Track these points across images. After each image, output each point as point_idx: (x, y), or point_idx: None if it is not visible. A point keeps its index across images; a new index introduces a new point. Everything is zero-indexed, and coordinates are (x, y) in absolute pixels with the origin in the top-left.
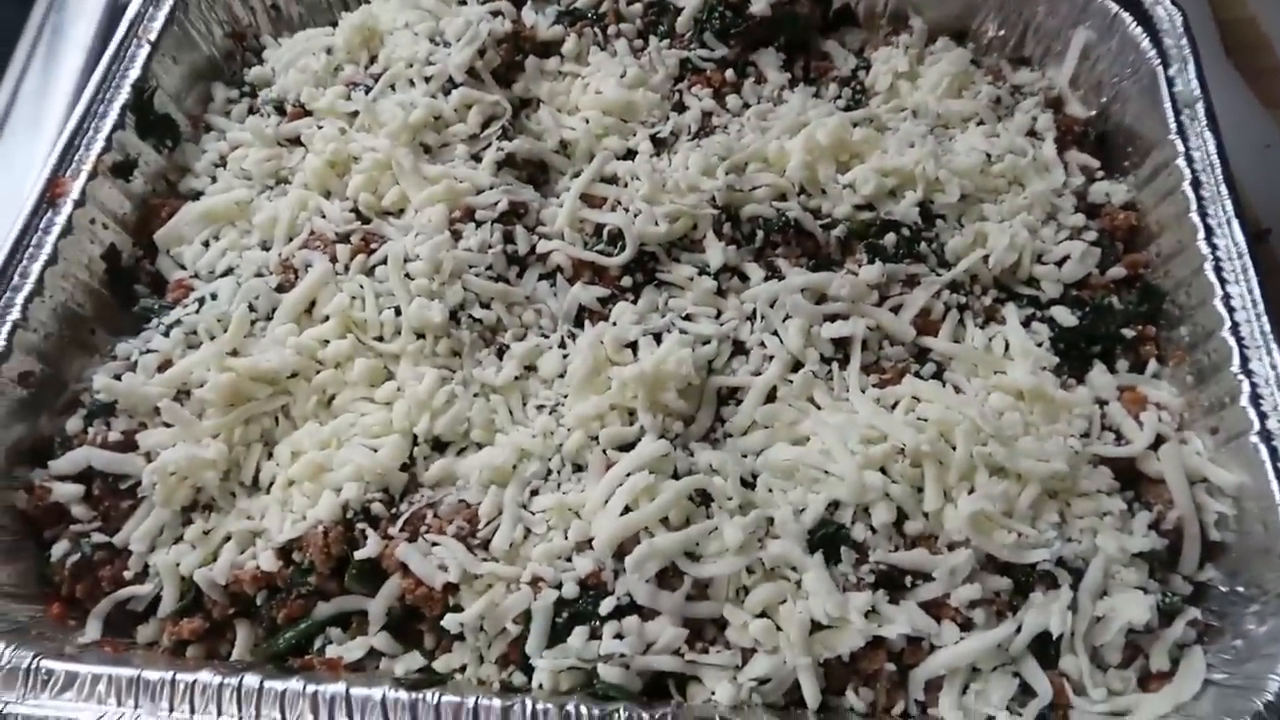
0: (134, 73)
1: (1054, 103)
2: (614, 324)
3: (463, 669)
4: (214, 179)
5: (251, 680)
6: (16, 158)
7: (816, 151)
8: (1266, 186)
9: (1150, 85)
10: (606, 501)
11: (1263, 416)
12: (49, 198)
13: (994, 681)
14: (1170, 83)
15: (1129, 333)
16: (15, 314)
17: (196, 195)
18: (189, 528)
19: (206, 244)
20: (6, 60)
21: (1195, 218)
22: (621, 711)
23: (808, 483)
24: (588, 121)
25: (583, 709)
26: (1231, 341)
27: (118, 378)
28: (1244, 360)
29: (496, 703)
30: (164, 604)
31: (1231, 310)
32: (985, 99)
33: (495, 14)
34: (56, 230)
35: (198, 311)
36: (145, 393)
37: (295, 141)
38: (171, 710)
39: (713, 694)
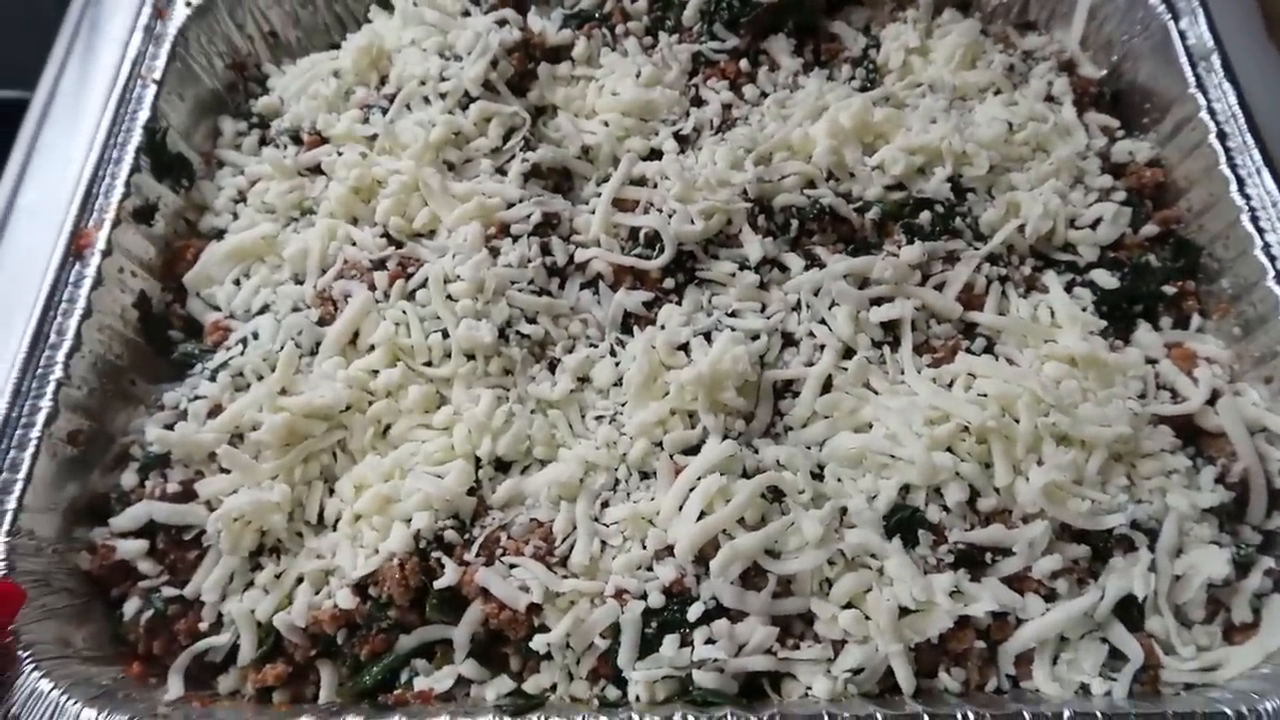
0: (143, 114)
1: (1066, 65)
2: (662, 327)
3: (553, 688)
4: (235, 215)
5: None
6: (56, 153)
7: (841, 135)
8: None
9: (1162, 40)
10: (681, 507)
11: None
12: (75, 249)
13: (1083, 649)
14: (1183, 36)
15: (1169, 290)
16: (58, 372)
17: (219, 233)
18: (259, 572)
19: (237, 282)
20: (45, 57)
21: (1225, 169)
22: (729, 717)
23: (876, 469)
24: (608, 124)
25: (689, 718)
26: (1276, 290)
27: (169, 428)
28: None
29: None
30: (243, 652)
31: (1273, 259)
32: (999, 68)
33: (502, 23)
34: (88, 283)
35: (242, 353)
36: (200, 440)
37: (316, 170)
38: None
39: (809, 689)
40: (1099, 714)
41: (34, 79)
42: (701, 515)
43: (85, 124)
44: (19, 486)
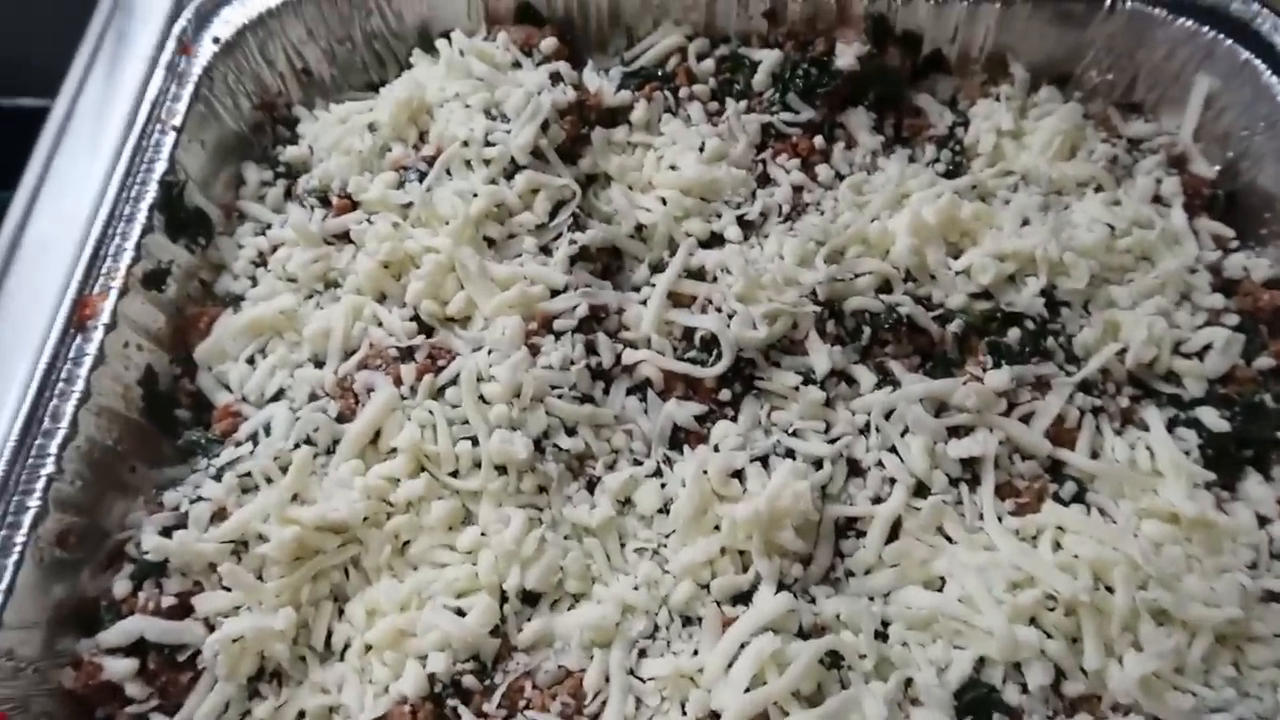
0: (160, 165)
1: (1176, 160)
2: (715, 448)
3: None
4: (254, 280)
5: None
6: (79, 175)
7: (924, 233)
8: None
9: None
10: (728, 668)
11: None
12: (77, 320)
13: None
14: None
15: None
16: (49, 466)
17: (236, 300)
18: (258, 702)
19: (252, 360)
20: (65, 69)
21: None
22: None
23: (949, 635)
24: (665, 203)
25: None
26: None
27: (167, 533)
28: None
29: None
30: None
31: None
32: (1101, 159)
33: (555, 79)
34: (88, 362)
35: (252, 451)
36: (200, 550)
37: (344, 238)
38: None
39: None
40: None
41: (55, 85)
42: (752, 681)
43: (104, 148)
44: None
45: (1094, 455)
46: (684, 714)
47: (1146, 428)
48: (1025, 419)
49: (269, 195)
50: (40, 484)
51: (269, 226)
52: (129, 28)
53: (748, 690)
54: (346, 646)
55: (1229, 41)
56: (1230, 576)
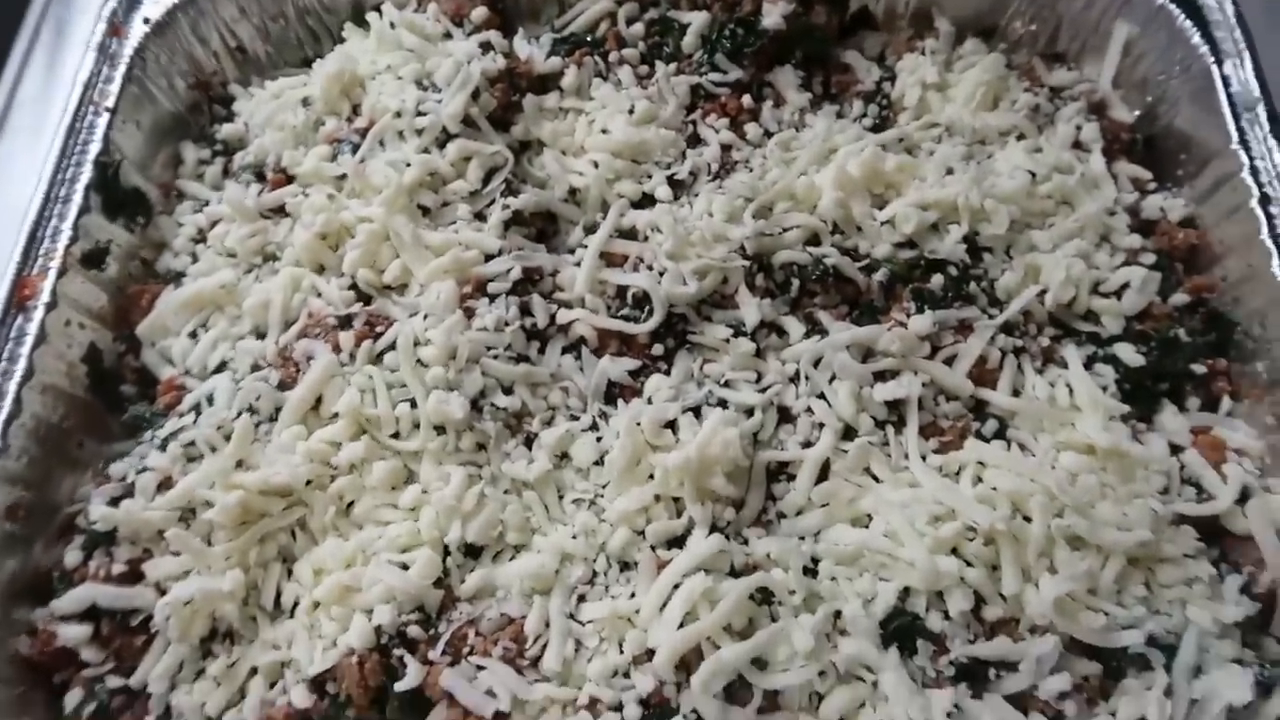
0: (94, 146)
1: (1096, 107)
2: (649, 401)
3: None
4: (194, 256)
5: None
6: (15, 168)
7: (849, 186)
8: None
9: (1204, 85)
10: (663, 608)
11: None
12: (17, 301)
13: None
14: (1226, 82)
15: (1198, 368)
16: None
17: (176, 276)
18: (211, 661)
19: (194, 335)
20: (2, 62)
21: (1267, 240)
22: None
23: (875, 569)
24: (597, 165)
25: None
26: None
27: (114, 503)
28: None
29: None
30: None
31: None
32: (1024, 108)
33: (485, 48)
34: (30, 340)
35: (195, 421)
36: (148, 518)
37: (280, 211)
38: None
39: None
40: None
41: None
42: (685, 619)
43: (47, 135)
44: None
45: (1015, 393)
46: (621, 653)
47: (1066, 365)
48: (948, 361)
49: (207, 173)
50: None
51: (208, 204)
52: (67, 16)
53: (681, 627)
54: (295, 605)
55: None
56: (1142, 502)
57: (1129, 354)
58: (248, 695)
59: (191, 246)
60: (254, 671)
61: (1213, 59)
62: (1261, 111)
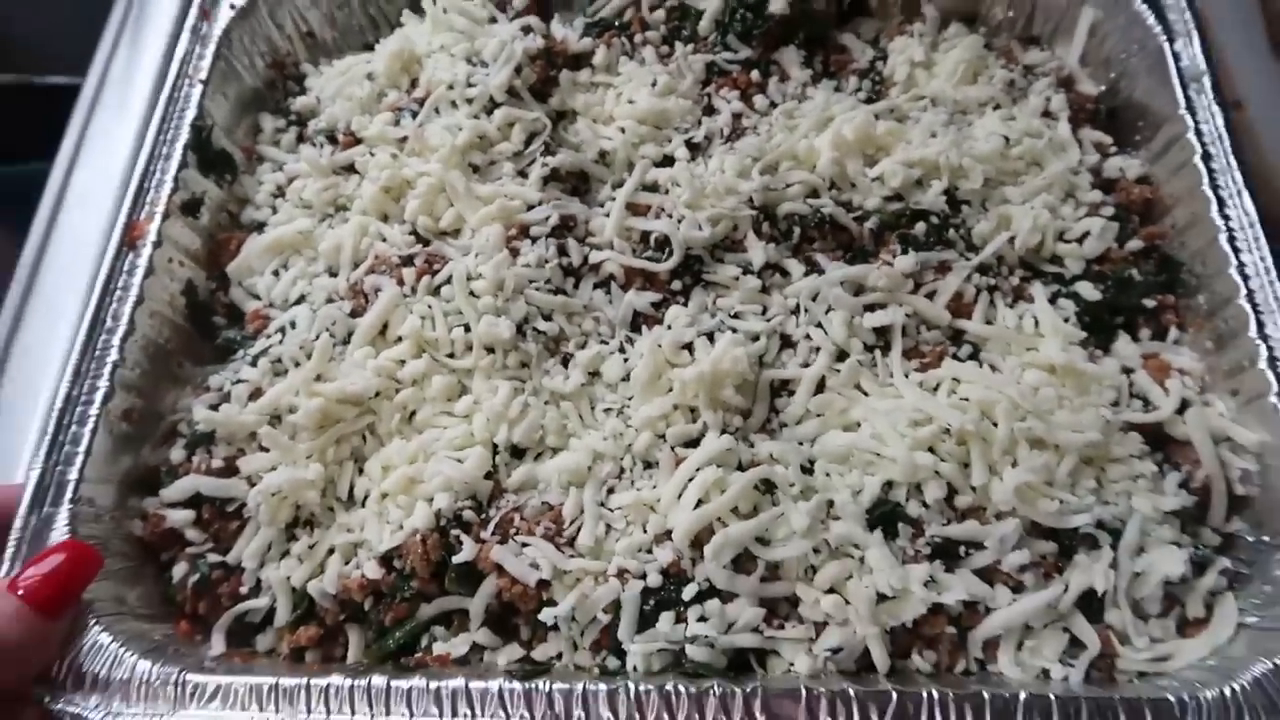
0: (190, 112)
1: (1065, 81)
2: (668, 327)
3: (559, 656)
4: (274, 210)
5: (379, 680)
6: (109, 140)
7: (844, 147)
8: None
9: (1158, 60)
10: (680, 496)
11: None
12: (128, 240)
13: (1046, 637)
14: (1176, 57)
15: (1150, 303)
16: (114, 355)
17: (259, 226)
18: (295, 543)
19: (276, 274)
20: (94, 46)
21: (1207, 190)
22: (716, 688)
23: (863, 466)
24: (624, 131)
25: (680, 687)
26: (1248, 308)
27: (214, 409)
28: (1260, 326)
29: (603, 687)
30: (279, 615)
31: (1246, 278)
32: (1000, 83)
33: (526, 30)
34: (140, 272)
35: (280, 341)
36: (242, 421)
37: (350, 169)
38: (309, 712)
39: (791, 665)
40: (1054, 697)
41: (85, 66)
42: (699, 504)
43: (132, 112)
44: (80, 459)
45: (988, 323)
46: (645, 533)
47: (1033, 300)
48: (929, 296)
49: (283, 140)
50: (107, 369)
51: (284, 166)
52: (147, 8)
53: (695, 509)
54: (366, 496)
55: None
56: (1094, 410)
57: (1089, 291)
58: (326, 570)
59: (271, 200)
60: (331, 551)
61: (1165, 38)
62: (1206, 81)
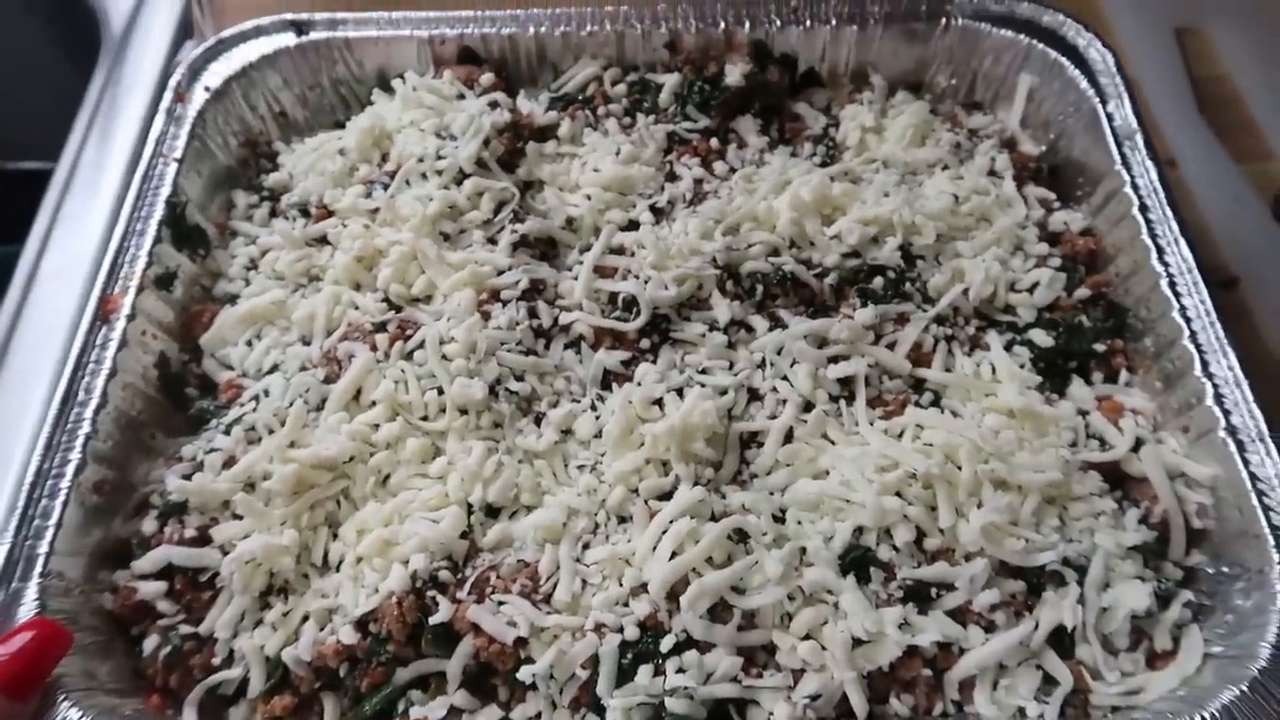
0: (165, 189)
1: (1008, 142)
2: (639, 384)
3: (538, 716)
4: (247, 282)
5: None
6: (81, 222)
7: (802, 208)
8: (1237, 236)
9: (1092, 121)
10: (654, 548)
11: (1226, 414)
12: (102, 314)
13: (1020, 675)
14: (1109, 118)
15: (1100, 347)
16: (86, 427)
17: (232, 298)
18: (268, 611)
19: (250, 344)
20: (67, 132)
21: (1146, 239)
22: None
23: (833, 512)
24: (589, 198)
25: None
26: (1191, 349)
27: (188, 478)
28: (1204, 364)
29: None
30: (252, 685)
31: (1188, 320)
32: (946, 145)
33: (493, 105)
34: (113, 345)
35: (254, 409)
36: (215, 489)
37: (322, 241)
38: None
39: (771, 714)
40: None
41: (57, 151)
42: (673, 556)
43: (104, 196)
44: (50, 532)
45: (947, 371)
46: (620, 586)
47: (989, 348)
48: (890, 346)
49: (256, 215)
50: (79, 441)
51: (257, 239)
52: (119, 97)
53: (670, 559)
54: (341, 561)
55: (1041, 46)
56: (1053, 450)
57: (1041, 338)
58: (301, 637)
59: (244, 273)
60: (306, 618)
61: (1098, 100)
62: (1139, 139)
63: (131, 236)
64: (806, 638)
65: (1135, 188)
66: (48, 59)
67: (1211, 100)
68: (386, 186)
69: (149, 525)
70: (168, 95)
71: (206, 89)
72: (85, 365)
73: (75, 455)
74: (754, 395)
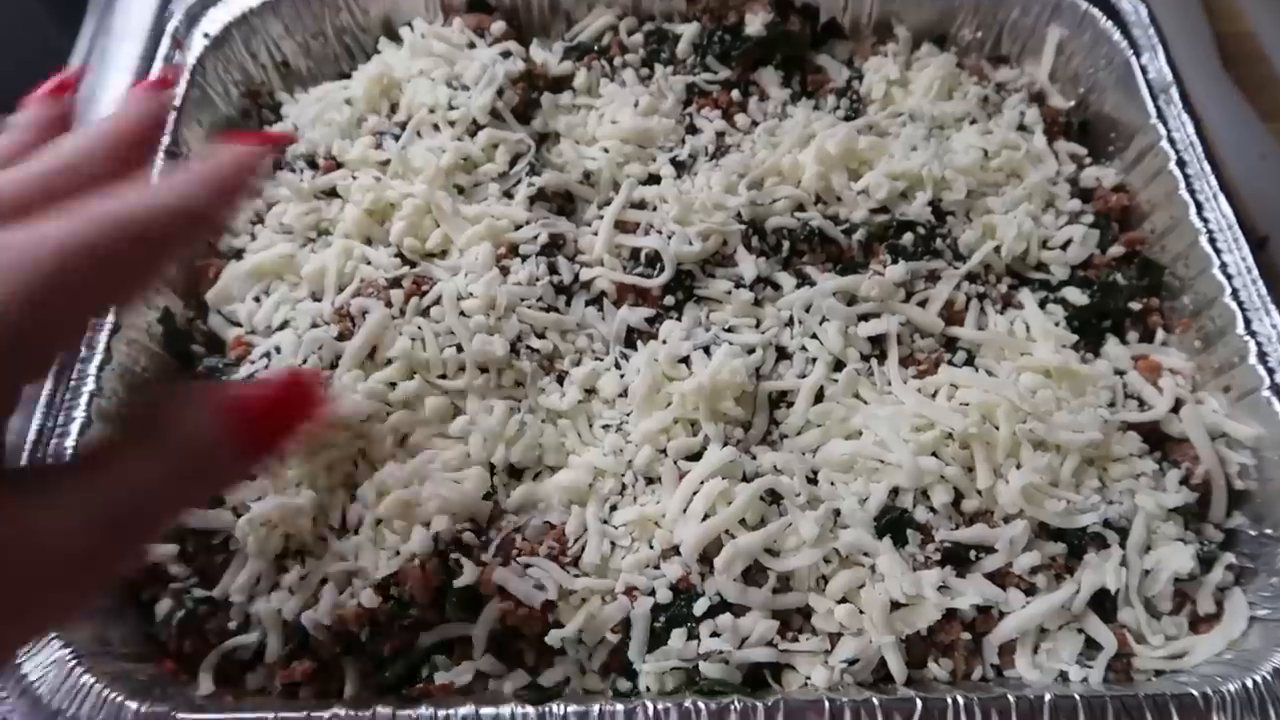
0: (164, 139)
1: (1036, 97)
2: (664, 342)
3: (567, 681)
4: (253, 236)
5: (384, 711)
6: None
7: (828, 162)
8: (1264, 195)
9: (1125, 74)
10: (685, 509)
11: (1271, 372)
12: None
13: (1061, 639)
14: (1144, 70)
15: (1135, 306)
16: (90, 384)
17: (238, 253)
18: (285, 575)
19: (258, 300)
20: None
21: (1185, 194)
22: (736, 703)
23: (867, 473)
24: (607, 151)
25: (700, 704)
26: (1233, 306)
27: None
28: (1247, 323)
29: (620, 707)
30: (270, 650)
31: (1230, 277)
32: (974, 99)
33: (506, 55)
34: None
35: (266, 366)
36: None
37: (331, 193)
38: None
39: (808, 679)
40: (1078, 697)
41: None
42: (705, 517)
43: None
44: None
45: (980, 329)
46: (651, 548)
47: (1022, 307)
48: (921, 304)
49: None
50: (84, 399)
51: (261, 192)
52: (110, 47)
53: (702, 521)
54: (360, 523)
55: None
56: (1091, 410)
57: (1076, 296)
58: (320, 601)
59: (250, 227)
60: (324, 581)
61: (1131, 52)
62: (1174, 92)
63: None
64: (843, 601)
65: (1172, 141)
66: (31, 5)
67: (1236, 57)
68: (397, 138)
69: None
70: (164, 42)
71: (205, 35)
72: None
73: (80, 413)
74: (782, 354)
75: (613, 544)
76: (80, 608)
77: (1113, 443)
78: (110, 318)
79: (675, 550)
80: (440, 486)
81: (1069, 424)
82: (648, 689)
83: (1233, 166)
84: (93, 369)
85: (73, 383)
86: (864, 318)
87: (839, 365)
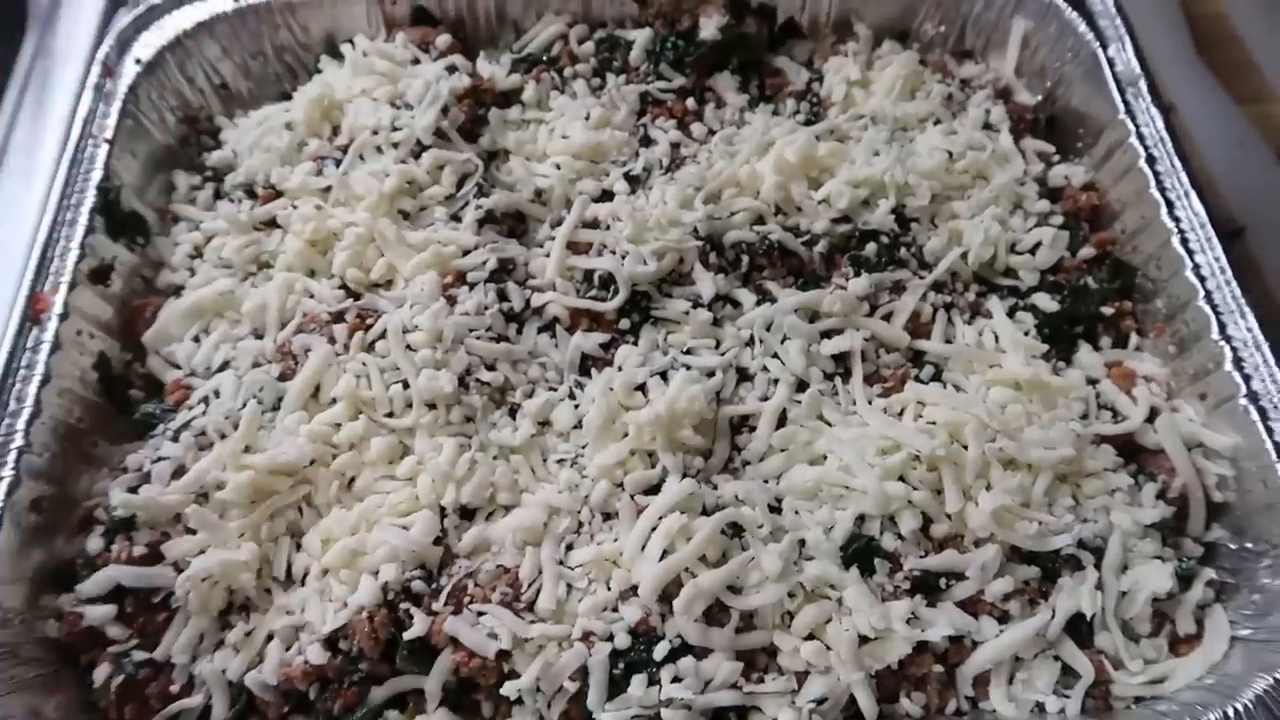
0: (96, 174)
1: (1002, 93)
2: (619, 369)
3: None
4: (192, 271)
5: None
6: (11, 210)
7: (787, 171)
8: (1241, 183)
9: (1092, 67)
10: (643, 547)
11: (1247, 379)
12: (32, 314)
13: (1037, 668)
14: (1111, 63)
15: (1107, 310)
16: (19, 440)
17: (176, 290)
18: (229, 631)
19: (197, 339)
20: None
21: (1155, 193)
22: None
23: (832, 500)
24: (559, 168)
25: None
26: (1207, 309)
27: (133, 490)
28: (1221, 327)
29: None
30: (216, 713)
31: (1203, 279)
32: (938, 98)
33: (451, 70)
34: (46, 348)
35: (204, 412)
36: (165, 502)
37: (271, 224)
38: None
39: None
40: None
41: None
42: (664, 555)
43: (38, 180)
44: None
45: (947, 342)
46: (609, 590)
47: (991, 315)
48: (886, 318)
49: (199, 197)
50: (11, 456)
51: (200, 224)
52: (51, 69)
53: (661, 559)
54: (305, 574)
55: None
56: (1064, 425)
57: (1046, 302)
58: (266, 658)
59: (189, 262)
60: (270, 637)
61: (1098, 44)
62: (1143, 85)
63: (61, 227)
64: (809, 638)
65: (1141, 138)
66: None
67: (1209, 40)
68: (339, 163)
69: (94, 543)
70: (94, 69)
71: (138, 61)
72: (15, 371)
73: (8, 471)
74: (743, 376)
75: (569, 586)
76: None
77: (1086, 457)
78: (40, 368)
79: (634, 590)
80: (387, 533)
81: (1040, 440)
82: None
83: (1211, 156)
84: (21, 424)
85: (0, 438)
86: (827, 334)
87: (802, 386)
